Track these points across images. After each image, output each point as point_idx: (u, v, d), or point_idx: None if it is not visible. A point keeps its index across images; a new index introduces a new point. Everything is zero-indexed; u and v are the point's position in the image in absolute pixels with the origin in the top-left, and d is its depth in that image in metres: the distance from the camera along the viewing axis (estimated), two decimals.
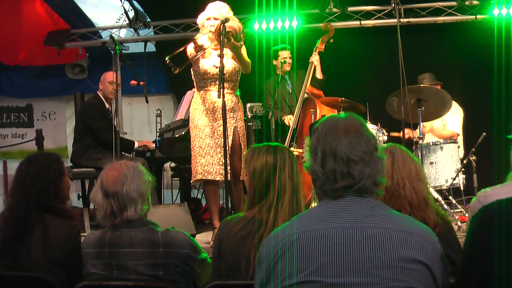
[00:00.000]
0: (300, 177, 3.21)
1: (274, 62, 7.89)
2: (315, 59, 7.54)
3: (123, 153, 6.92)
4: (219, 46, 5.41)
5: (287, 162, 3.17)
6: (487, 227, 2.06)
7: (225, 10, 5.80)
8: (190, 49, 5.84)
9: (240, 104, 6.00)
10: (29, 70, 10.59)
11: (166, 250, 3.17)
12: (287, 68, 7.84)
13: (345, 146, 2.14)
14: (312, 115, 6.96)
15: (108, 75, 7.15)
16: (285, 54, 7.84)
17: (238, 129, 5.88)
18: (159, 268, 3.14)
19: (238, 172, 5.75)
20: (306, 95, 7.44)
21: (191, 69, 5.96)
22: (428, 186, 3.25)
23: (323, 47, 7.57)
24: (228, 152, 5.51)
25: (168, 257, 3.16)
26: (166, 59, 5.66)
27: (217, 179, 5.74)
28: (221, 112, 5.46)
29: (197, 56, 5.75)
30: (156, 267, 3.14)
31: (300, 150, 6.89)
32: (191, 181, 5.99)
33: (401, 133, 6.55)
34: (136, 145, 7.41)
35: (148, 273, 3.14)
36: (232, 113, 5.84)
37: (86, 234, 5.88)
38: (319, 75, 7.66)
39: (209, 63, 5.81)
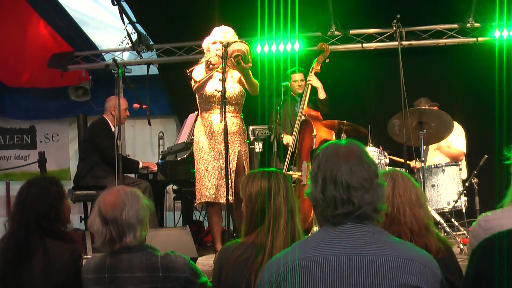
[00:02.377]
0: (297, 201, 3.22)
1: (288, 84, 7.82)
2: (312, 79, 7.49)
3: (126, 174, 6.93)
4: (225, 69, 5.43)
5: (282, 186, 3.18)
6: (490, 261, 2.05)
7: (230, 35, 5.84)
8: (198, 74, 5.85)
9: (244, 127, 6.02)
10: (33, 92, 10.64)
11: (166, 274, 3.16)
12: (299, 90, 7.80)
13: (345, 172, 2.15)
14: (314, 139, 6.92)
15: (123, 102, 7.13)
16: (297, 77, 7.83)
17: (242, 152, 5.90)
18: None
19: None
20: (303, 117, 7.38)
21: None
22: (429, 211, 3.25)
23: (319, 68, 7.41)
24: (231, 175, 5.51)
25: (168, 281, 3.15)
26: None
27: (221, 201, 5.75)
28: None
29: (207, 78, 5.73)
30: None
31: (299, 173, 6.86)
32: (195, 204, 5.98)
33: (404, 158, 6.52)
34: (141, 165, 7.42)
35: None
36: (236, 136, 5.87)
37: (88, 256, 5.91)
38: (321, 95, 7.56)
39: (213, 86, 5.82)
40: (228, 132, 5.37)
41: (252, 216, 3.16)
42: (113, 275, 3.17)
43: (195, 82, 5.81)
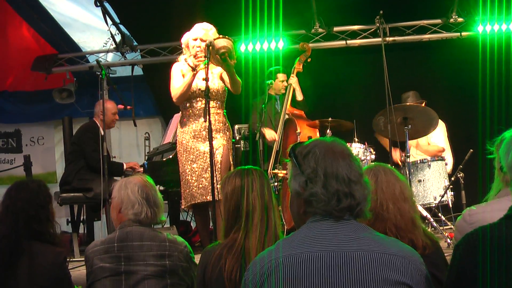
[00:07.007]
0: (274, 196, 3.21)
1: (272, 83, 7.80)
2: (293, 81, 7.43)
3: (113, 177, 6.90)
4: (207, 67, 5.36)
5: (256, 182, 3.16)
6: (472, 256, 2.06)
7: (211, 32, 5.77)
8: (176, 80, 5.81)
9: (228, 124, 5.92)
10: (17, 95, 10.59)
11: (172, 244, 3.43)
12: (283, 90, 7.80)
13: (345, 167, 2.18)
14: (298, 136, 6.91)
15: (111, 106, 7.11)
16: (282, 77, 7.83)
17: (228, 148, 5.81)
18: (166, 258, 3.36)
19: None
20: (287, 116, 7.35)
21: None
22: (416, 204, 3.22)
23: (301, 67, 7.37)
24: (218, 171, 5.48)
25: (174, 250, 3.41)
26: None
27: (208, 198, 5.63)
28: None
29: (189, 81, 5.69)
30: (163, 257, 3.35)
31: (285, 172, 6.83)
32: (183, 206, 5.91)
33: (389, 152, 6.55)
34: (125, 166, 7.35)
35: (156, 262, 3.32)
36: (220, 134, 5.74)
37: (75, 259, 5.88)
38: (299, 96, 7.63)
39: (195, 84, 5.76)
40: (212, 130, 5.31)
41: (228, 216, 3.15)
42: (123, 243, 3.36)
43: (174, 90, 5.78)
